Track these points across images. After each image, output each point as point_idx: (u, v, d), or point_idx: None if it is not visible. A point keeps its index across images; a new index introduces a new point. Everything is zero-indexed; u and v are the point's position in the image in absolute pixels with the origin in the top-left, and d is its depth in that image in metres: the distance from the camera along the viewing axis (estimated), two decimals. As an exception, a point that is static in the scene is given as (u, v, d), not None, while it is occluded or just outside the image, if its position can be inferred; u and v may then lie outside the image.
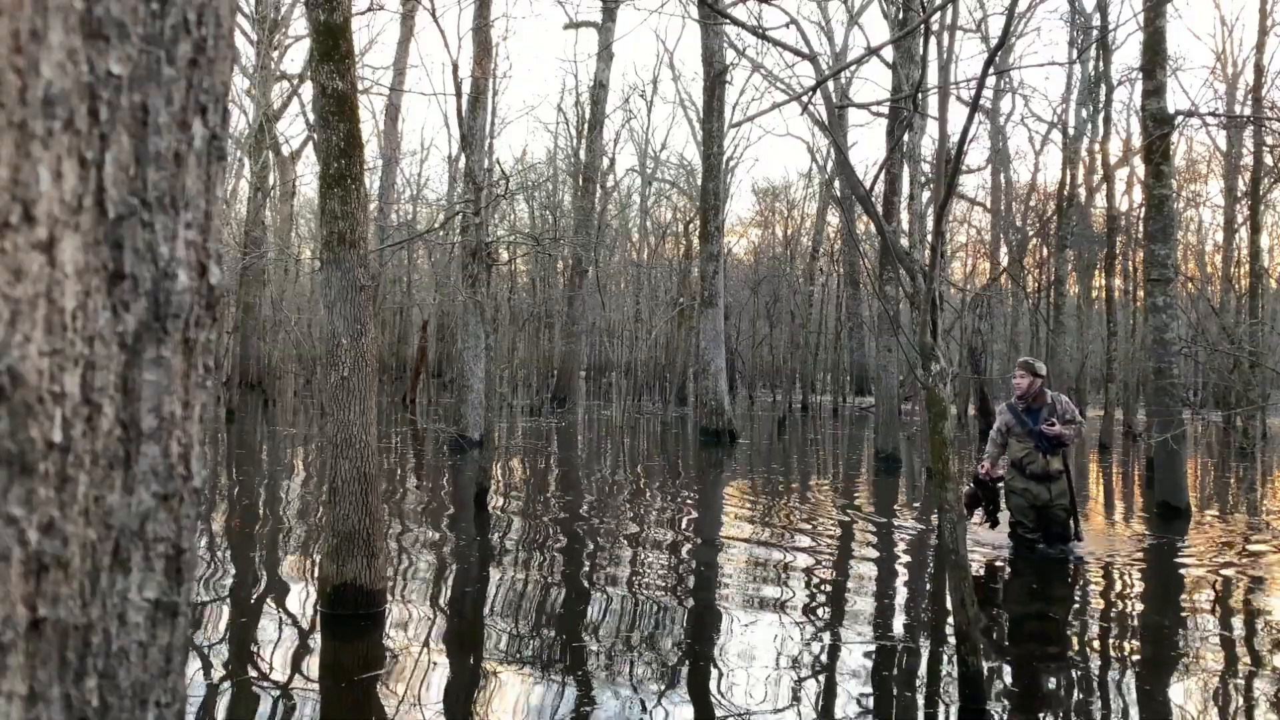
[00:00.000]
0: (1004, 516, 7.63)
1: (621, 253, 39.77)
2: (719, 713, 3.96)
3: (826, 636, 5.10)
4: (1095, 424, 18.79)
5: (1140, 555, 7.53)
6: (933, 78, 7.30)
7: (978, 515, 7.63)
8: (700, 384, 18.27)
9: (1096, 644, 5.17)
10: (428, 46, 75.14)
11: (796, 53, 5.49)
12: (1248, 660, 4.88)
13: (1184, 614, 5.82)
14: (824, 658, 4.71)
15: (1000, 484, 7.51)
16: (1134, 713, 4.20)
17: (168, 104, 0.64)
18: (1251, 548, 7.95)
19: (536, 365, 32.00)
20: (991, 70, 4.34)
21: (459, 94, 11.01)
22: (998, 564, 7.07)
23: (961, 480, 8.74)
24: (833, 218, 37.52)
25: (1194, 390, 26.60)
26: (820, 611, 5.61)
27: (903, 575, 6.79)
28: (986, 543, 7.54)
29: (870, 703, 4.12)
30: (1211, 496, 11.66)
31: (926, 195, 19.93)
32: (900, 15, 10.11)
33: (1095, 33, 18.10)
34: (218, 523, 8.07)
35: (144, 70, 0.62)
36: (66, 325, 0.58)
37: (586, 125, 29.06)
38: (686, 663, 4.57)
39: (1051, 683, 4.48)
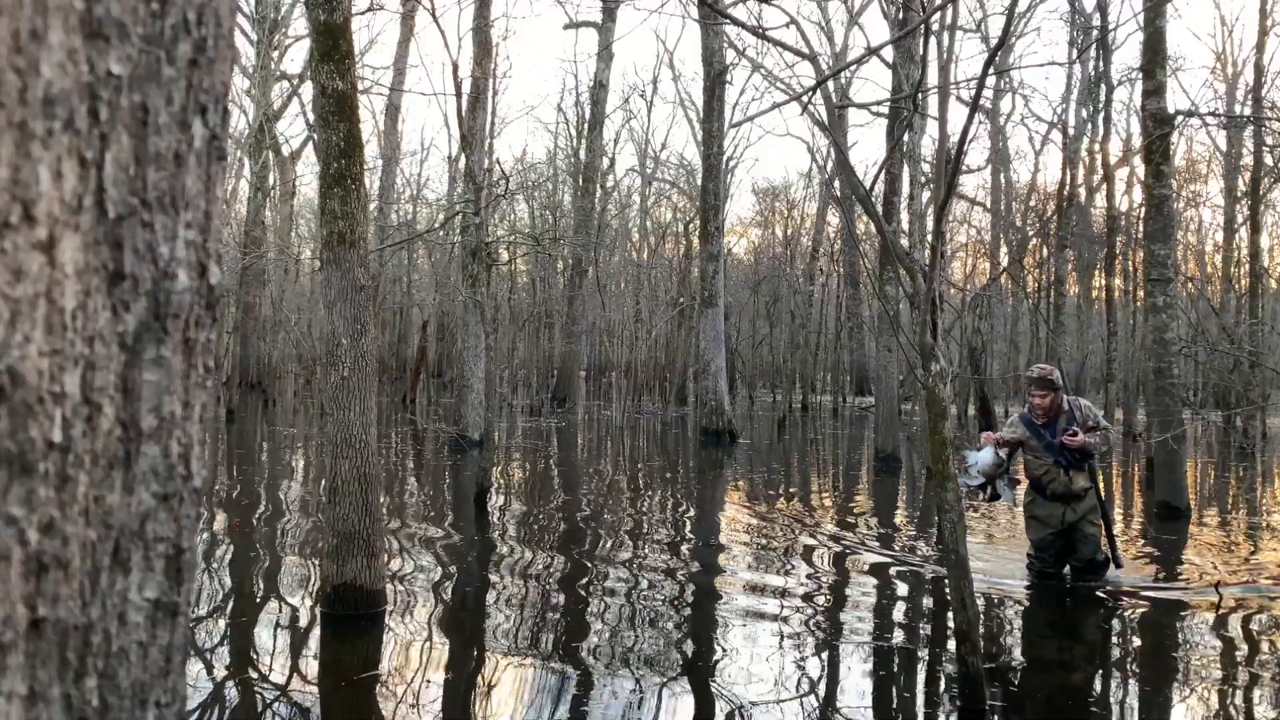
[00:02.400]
0: (1016, 537, 7.41)
1: (621, 253, 39.75)
2: (720, 713, 3.96)
3: (826, 637, 5.10)
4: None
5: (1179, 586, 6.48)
6: (933, 78, 7.30)
7: (982, 494, 6.61)
8: (700, 384, 18.27)
9: (1098, 651, 5.18)
10: (428, 46, 75.19)
11: (796, 53, 5.49)
12: (1246, 666, 4.88)
13: (1191, 625, 5.82)
14: (823, 658, 4.71)
15: (1009, 473, 6.47)
16: (1134, 714, 4.20)
17: (168, 104, 0.64)
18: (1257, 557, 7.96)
19: (536, 365, 32.01)
20: (991, 70, 4.34)
21: (459, 94, 11.01)
22: (1012, 599, 6.04)
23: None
24: (833, 218, 37.53)
25: (1194, 390, 26.60)
26: (819, 611, 5.61)
27: (902, 576, 6.78)
28: (1002, 582, 6.40)
29: (870, 703, 4.12)
30: (1211, 497, 11.66)
31: (926, 195, 19.94)
32: (900, 15, 10.12)
33: (1095, 33, 18.10)
34: (218, 522, 8.07)
35: (144, 70, 0.62)
36: (66, 325, 0.58)
37: (586, 125, 29.07)
38: (686, 663, 4.57)
39: (1051, 683, 4.49)
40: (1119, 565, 6.37)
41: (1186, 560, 7.38)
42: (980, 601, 4.72)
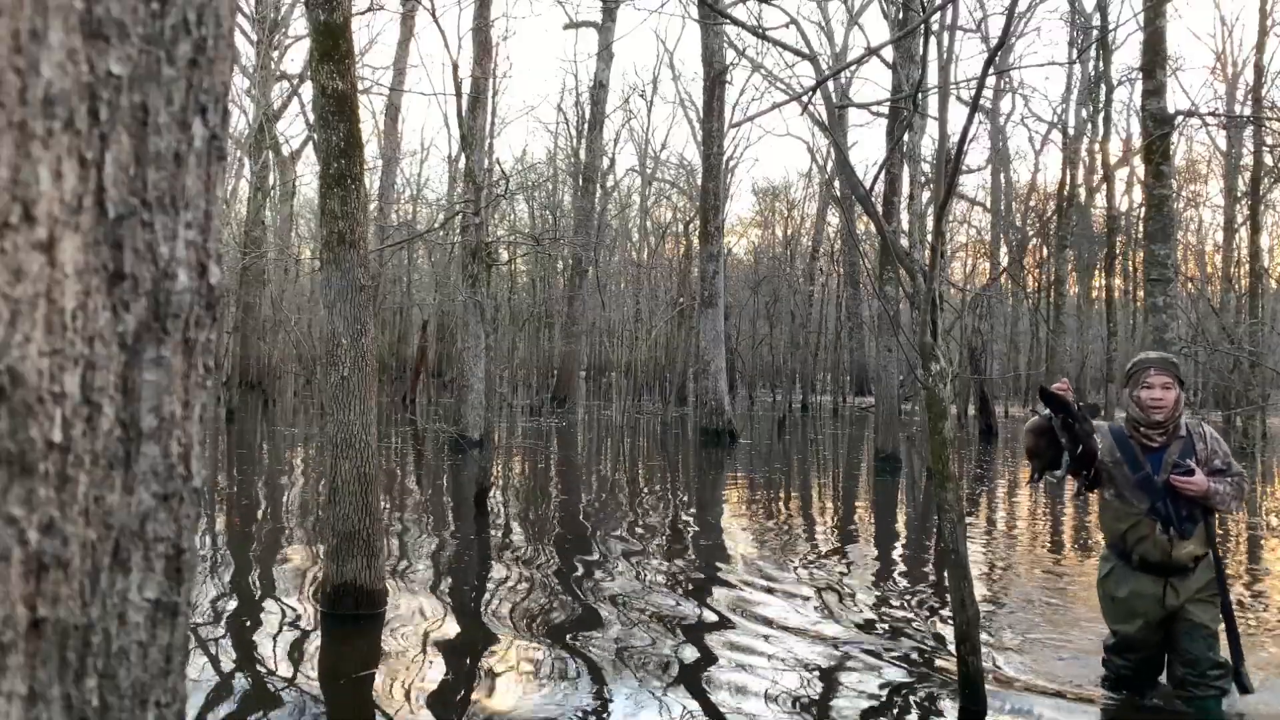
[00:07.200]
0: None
1: (621, 253, 39.80)
2: (719, 712, 3.96)
3: (826, 637, 5.09)
4: (1095, 424, 18.75)
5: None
6: (933, 78, 7.29)
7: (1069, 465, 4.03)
8: (700, 384, 18.28)
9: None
10: (428, 46, 75.30)
11: (796, 53, 5.50)
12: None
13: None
14: (823, 659, 4.71)
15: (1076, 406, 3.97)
16: (1132, 714, 4.19)
17: (168, 104, 0.64)
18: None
19: (536, 365, 32.04)
20: (991, 70, 4.34)
21: (459, 94, 11.01)
22: None
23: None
24: (833, 218, 37.58)
25: (1194, 390, 26.60)
26: (819, 613, 5.61)
27: (903, 576, 6.78)
28: (1063, 681, 4.39)
29: (869, 703, 4.12)
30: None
31: (926, 195, 19.94)
32: (900, 15, 10.12)
33: (1095, 33, 18.10)
34: (218, 522, 8.07)
35: (144, 70, 0.62)
36: (66, 325, 0.58)
37: (586, 125, 29.11)
38: (686, 661, 4.57)
39: (1052, 683, 4.48)
40: (1246, 689, 3.93)
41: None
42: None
